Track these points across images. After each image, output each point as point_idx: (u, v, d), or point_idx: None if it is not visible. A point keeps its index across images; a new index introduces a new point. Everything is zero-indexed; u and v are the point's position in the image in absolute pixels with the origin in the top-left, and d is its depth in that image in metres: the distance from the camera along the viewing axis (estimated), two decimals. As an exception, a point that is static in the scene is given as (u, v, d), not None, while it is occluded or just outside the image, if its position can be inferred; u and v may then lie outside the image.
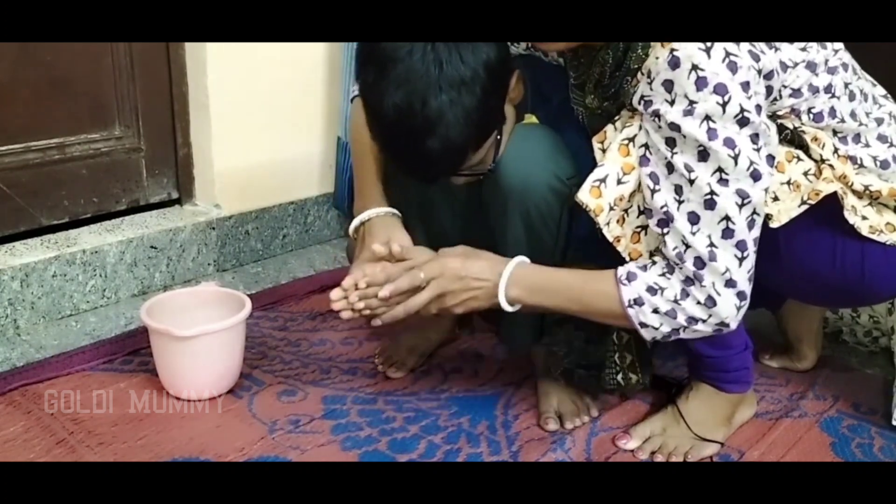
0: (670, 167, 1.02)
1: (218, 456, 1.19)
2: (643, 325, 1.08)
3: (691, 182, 1.01)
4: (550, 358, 1.31)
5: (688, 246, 1.04)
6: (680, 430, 1.24)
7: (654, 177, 1.04)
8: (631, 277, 1.08)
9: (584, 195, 1.07)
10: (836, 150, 1.09)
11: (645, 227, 1.10)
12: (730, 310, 1.05)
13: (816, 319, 1.46)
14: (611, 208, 1.08)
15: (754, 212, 1.03)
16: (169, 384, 1.32)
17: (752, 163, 1.00)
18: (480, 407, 1.33)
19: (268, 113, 1.87)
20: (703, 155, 1.00)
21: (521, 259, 1.14)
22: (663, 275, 1.07)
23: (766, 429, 1.29)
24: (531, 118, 1.24)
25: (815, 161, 1.09)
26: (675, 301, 1.06)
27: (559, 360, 1.30)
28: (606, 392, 1.32)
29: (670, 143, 1.01)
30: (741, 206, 1.02)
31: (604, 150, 1.10)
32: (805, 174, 1.08)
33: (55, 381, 1.35)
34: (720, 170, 1.00)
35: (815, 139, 1.09)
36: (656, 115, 1.01)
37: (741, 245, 1.03)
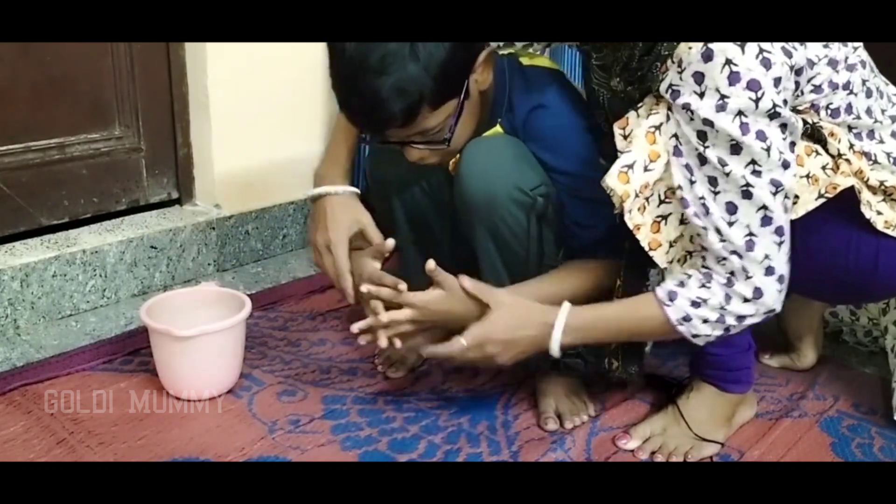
0: (702, 159, 1.02)
1: (218, 456, 1.19)
2: (695, 336, 1.09)
3: (726, 175, 1.01)
4: (540, 355, 1.32)
5: (724, 239, 1.04)
6: (680, 429, 1.24)
7: (689, 168, 1.04)
8: (672, 297, 1.08)
9: (612, 180, 1.06)
10: (851, 146, 1.10)
11: (665, 217, 1.09)
12: (774, 296, 1.06)
13: (817, 318, 1.46)
14: (636, 195, 1.07)
15: (786, 196, 1.04)
16: (169, 384, 1.32)
17: (781, 153, 1.01)
18: (480, 407, 1.33)
19: (268, 113, 1.87)
20: (736, 149, 1.00)
21: (567, 308, 1.14)
22: (703, 286, 1.07)
23: (766, 429, 1.29)
24: (497, 129, 1.22)
25: (832, 156, 1.09)
26: (722, 308, 1.06)
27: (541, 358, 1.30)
28: (596, 379, 1.33)
29: (702, 136, 1.01)
30: (775, 193, 1.02)
31: (625, 137, 1.09)
32: (823, 168, 1.08)
33: (55, 381, 1.35)
34: (753, 162, 1.00)
35: (832, 134, 1.09)
36: (687, 108, 1.01)
37: (779, 231, 1.04)
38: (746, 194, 1.02)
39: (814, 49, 1.05)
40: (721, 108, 0.98)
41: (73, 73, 1.63)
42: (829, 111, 1.08)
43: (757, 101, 0.98)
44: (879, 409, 1.35)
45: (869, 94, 1.11)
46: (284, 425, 1.27)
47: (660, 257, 1.11)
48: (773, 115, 0.99)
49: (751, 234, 1.03)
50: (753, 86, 0.97)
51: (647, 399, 1.36)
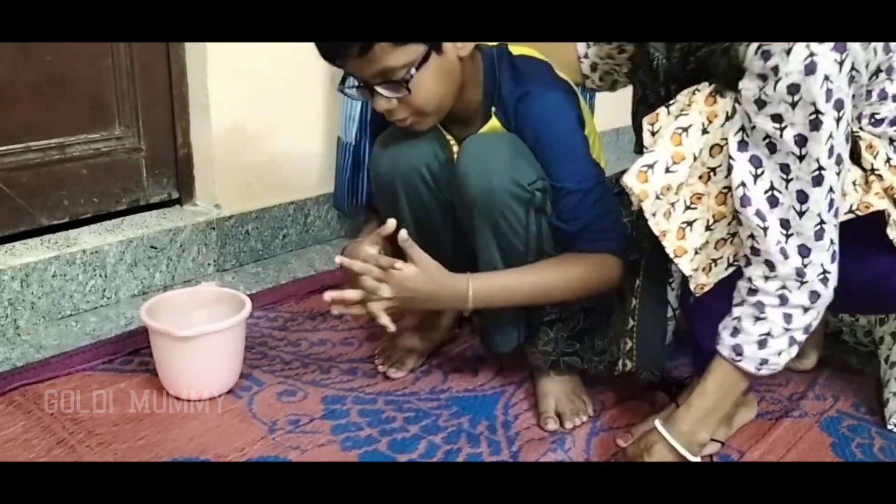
0: (773, 147, 0.98)
1: (218, 456, 1.19)
2: (776, 365, 1.07)
3: (801, 158, 0.97)
4: (538, 355, 1.32)
5: (791, 233, 1.01)
6: None
7: (755, 160, 1.00)
8: (739, 350, 1.06)
9: (631, 179, 1.04)
10: (888, 160, 1.08)
11: (691, 223, 1.07)
12: (830, 290, 1.04)
13: (821, 322, 1.46)
14: (657, 197, 1.04)
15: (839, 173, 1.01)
16: (169, 384, 1.32)
17: (848, 125, 0.99)
18: (480, 407, 1.33)
19: (268, 113, 1.87)
20: (816, 124, 0.95)
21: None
22: (758, 319, 1.05)
23: (766, 429, 1.29)
24: (494, 123, 1.23)
25: (864, 170, 1.07)
26: (786, 330, 1.04)
27: (546, 355, 1.31)
28: (596, 375, 1.33)
29: (777, 119, 0.97)
30: (838, 173, 0.99)
31: (653, 133, 1.06)
32: (854, 184, 1.06)
33: (55, 381, 1.35)
34: (831, 137, 0.96)
35: (870, 146, 1.07)
36: (772, 73, 0.96)
37: (837, 213, 1.02)
38: (818, 180, 0.98)
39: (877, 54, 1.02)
40: (810, 69, 0.93)
41: (73, 73, 1.63)
42: (872, 120, 1.07)
43: (841, 63, 0.94)
44: (879, 409, 1.35)
45: None
46: (284, 425, 1.27)
47: (685, 265, 1.09)
48: (851, 80, 0.96)
49: (821, 221, 1.00)
50: (839, 48, 0.94)
51: (648, 399, 1.36)
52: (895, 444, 1.27)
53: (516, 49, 1.26)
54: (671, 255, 1.08)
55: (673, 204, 1.06)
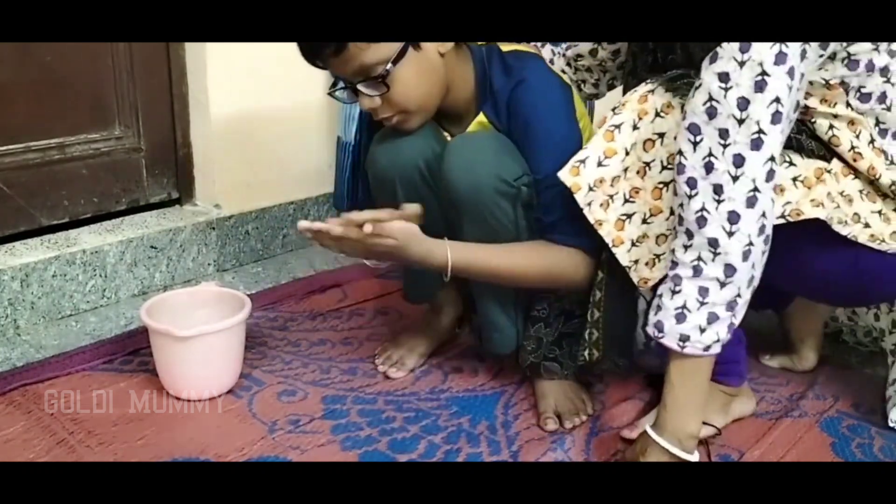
0: (714, 112, 0.98)
1: (218, 456, 1.19)
2: (708, 347, 1.05)
3: (741, 122, 0.97)
4: (521, 354, 1.33)
5: (721, 199, 0.99)
6: None
7: (694, 128, 1.00)
8: (660, 326, 1.06)
9: (564, 173, 1.10)
10: (872, 141, 1.08)
11: (630, 216, 1.10)
12: (748, 265, 1.01)
13: (820, 321, 1.46)
14: (590, 188, 1.09)
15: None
16: (169, 384, 1.32)
17: (797, 98, 0.99)
18: (480, 407, 1.33)
19: (268, 113, 1.87)
20: (761, 85, 0.96)
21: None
22: (674, 292, 1.04)
23: (766, 429, 1.29)
24: (481, 120, 1.24)
25: (834, 152, 1.08)
26: (701, 303, 1.03)
27: (529, 354, 1.32)
28: (584, 372, 1.34)
29: (724, 78, 0.97)
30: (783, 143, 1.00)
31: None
32: (795, 180, 1.06)
33: (55, 381, 1.35)
34: (777, 101, 0.96)
35: (852, 123, 1.07)
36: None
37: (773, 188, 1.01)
38: (756, 144, 0.98)
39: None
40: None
41: (73, 73, 1.63)
42: (859, 94, 1.06)
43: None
44: (879, 409, 1.35)
45: None
46: (284, 425, 1.27)
47: (622, 255, 1.12)
48: (802, 54, 0.97)
49: (755, 189, 0.99)
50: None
51: (647, 399, 1.36)
52: (895, 444, 1.27)
53: (506, 46, 1.27)
54: (609, 244, 1.12)
55: (612, 196, 1.10)
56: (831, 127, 1.08)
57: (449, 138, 1.30)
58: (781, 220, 1.05)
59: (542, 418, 1.29)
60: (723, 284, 1.02)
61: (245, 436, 1.24)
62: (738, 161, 0.98)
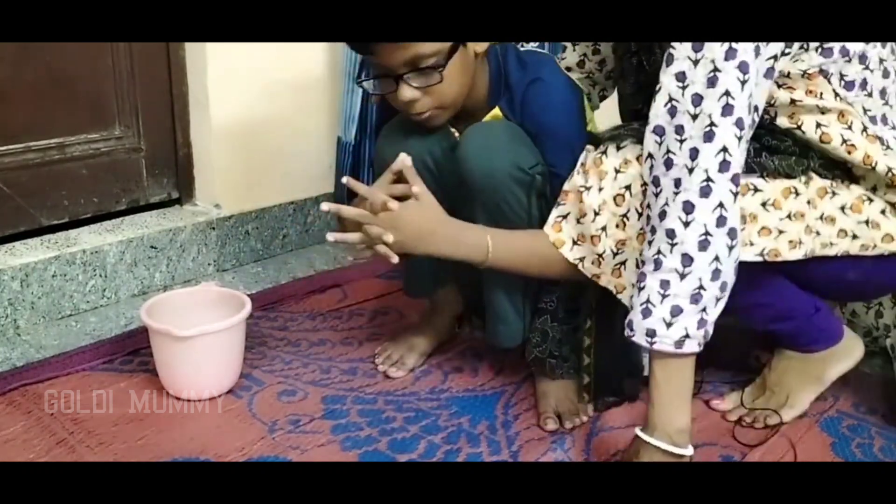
0: (674, 111, 1.01)
1: (218, 456, 1.19)
2: (680, 343, 1.04)
3: (694, 117, 1.00)
4: (526, 347, 1.33)
5: (679, 191, 1.01)
6: (765, 399, 1.30)
7: (659, 130, 1.03)
8: (631, 325, 1.06)
9: (548, 227, 1.16)
10: (864, 129, 1.09)
11: (623, 263, 1.12)
12: (708, 256, 1.02)
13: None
14: (574, 242, 1.14)
15: (743, 140, 1.01)
16: (169, 384, 1.32)
17: (751, 94, 1.00)
18: (480, 407, 1.33)
19: (268, 113, 1.87)
20: (713, 81, 0.98)
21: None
22: (639, 288, 1.05)
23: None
24: (496, 113, 1.26)
25: (826, 149, 1.09)
26: (663, 296, 1.03)
27: (532, 348, 1.32)
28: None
29: (681, 77, 1.00)
30: (739, 138, 1.00)
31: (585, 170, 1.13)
32: (763, 205, 1.07)
33: (55, 381, 1.35)
34: (727, 94, 0.98)
35: (842, 115, 1.08)
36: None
37: (735, 180, 1.01)
38: (709, 136, 0.99)
39: None
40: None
41: (73, 73, 1.63)
42: (842, 82, 1.07)
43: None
44: (879, 409, 1.35)
45: (886, 75, 1.09)
46: (284, 425, 1.27)
47: (626, 299, 1.12)
48: (756, 50, 0.99)
49: (709, 178, 1.00)
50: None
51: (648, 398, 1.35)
52: (895, 444, 1.27)
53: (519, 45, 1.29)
54: (613, 292, 1.14)
55: (600, 255, 1.13)
56: (819, 125, 1.09)
57: (456, 134, 1.30)
58: (759, 259, 1.07)
59: (543, 418, 1.29)
60: (682, 276, 1.02)
61: (245, 436, 1.24)
62: (693, 154, 1.00)
